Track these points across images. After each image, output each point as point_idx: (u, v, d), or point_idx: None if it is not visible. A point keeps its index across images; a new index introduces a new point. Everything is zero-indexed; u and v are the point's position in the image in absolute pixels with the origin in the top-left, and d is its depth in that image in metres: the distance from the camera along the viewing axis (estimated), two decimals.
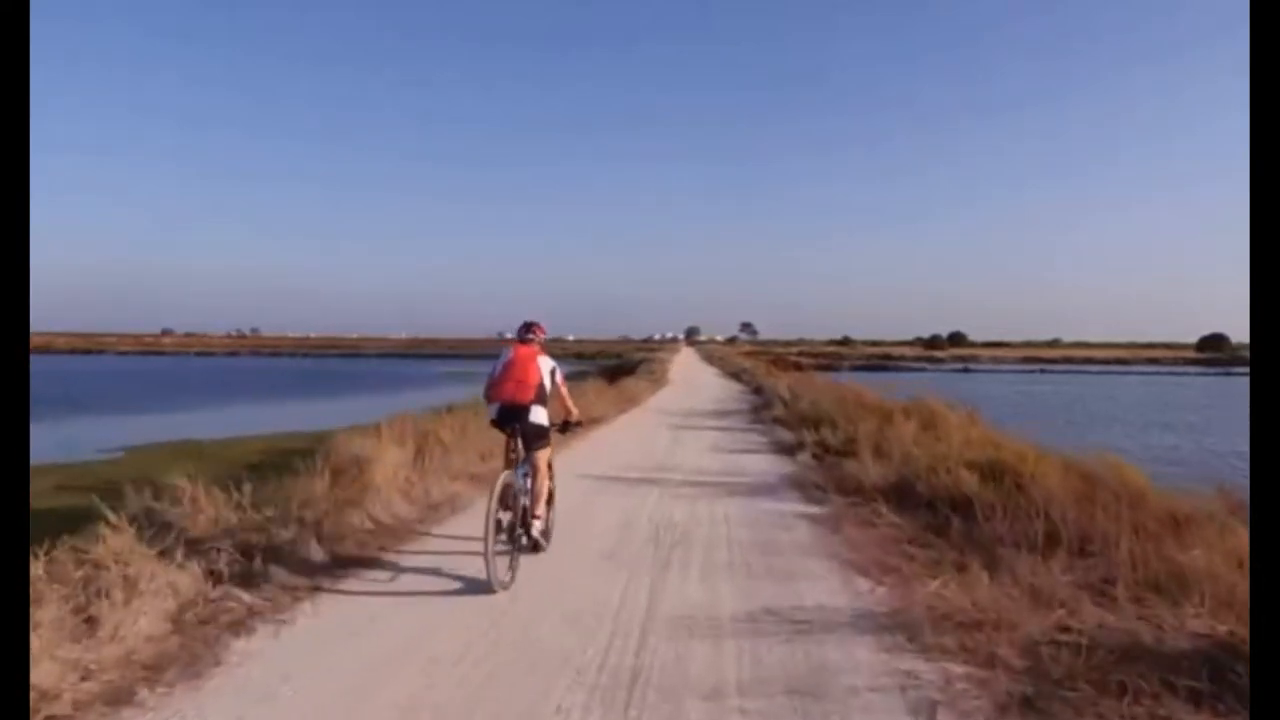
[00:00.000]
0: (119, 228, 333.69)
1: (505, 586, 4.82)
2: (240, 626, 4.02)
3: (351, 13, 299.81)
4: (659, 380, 32.94)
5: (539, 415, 5.53)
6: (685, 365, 54.11)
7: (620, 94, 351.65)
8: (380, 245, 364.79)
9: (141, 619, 3.76)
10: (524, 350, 5.72)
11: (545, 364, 5.74)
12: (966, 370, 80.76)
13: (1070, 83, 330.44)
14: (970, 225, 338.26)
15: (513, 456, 5.43)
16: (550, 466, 5.87)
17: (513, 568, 5.05)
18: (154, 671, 3.47)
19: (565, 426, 6.03)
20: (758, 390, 29.69)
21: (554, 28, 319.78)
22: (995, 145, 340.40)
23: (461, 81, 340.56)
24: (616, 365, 54.31)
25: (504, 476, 5.07)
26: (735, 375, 40.27)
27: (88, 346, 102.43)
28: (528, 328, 5.90)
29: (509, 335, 6.34)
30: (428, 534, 6.31)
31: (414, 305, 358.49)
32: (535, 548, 5.61)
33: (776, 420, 16.21)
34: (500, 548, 4.91)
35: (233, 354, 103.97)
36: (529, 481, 5.49)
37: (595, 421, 15.26)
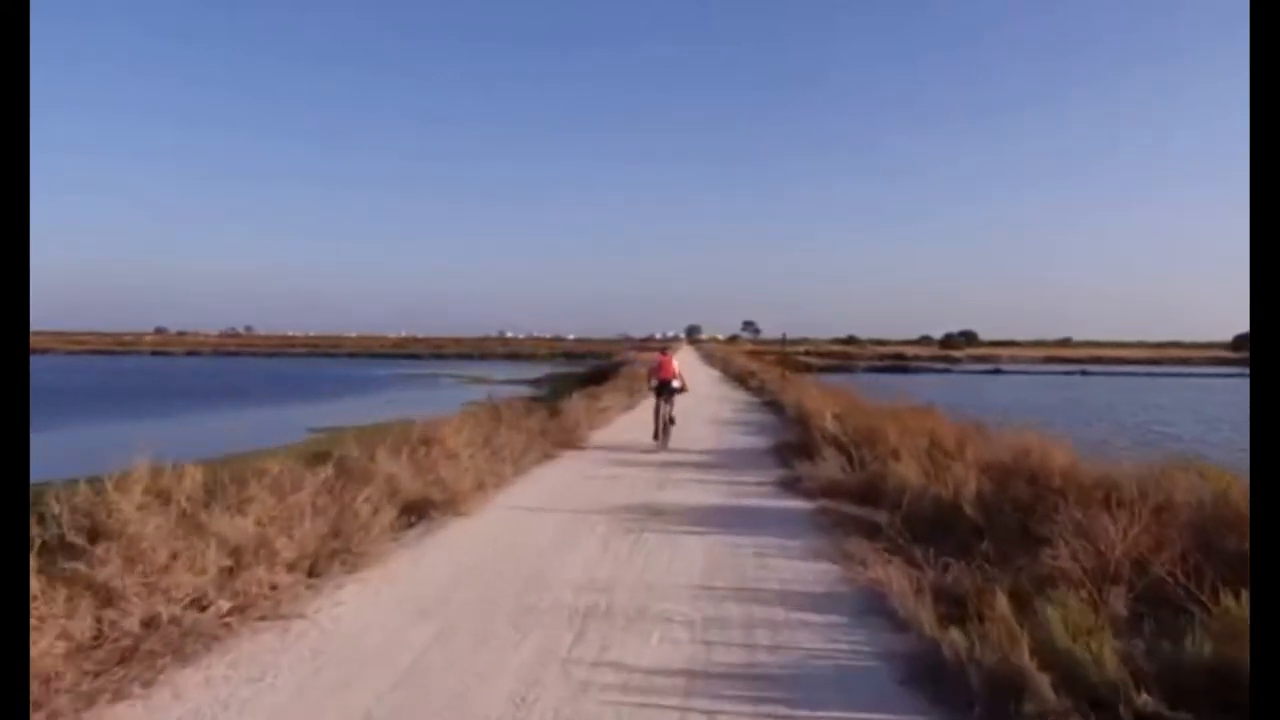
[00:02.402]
0: (117, 227, 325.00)
1: (661, 449, 11.85)
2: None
3: (351, 13, 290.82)
4: (639, 390, 24.85)
5: (676, 384, 12.95)
6: (680, 367, 46.02)
7: (620, 94, 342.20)
8: (381, 244, 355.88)
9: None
10: (666, 356, 13.57)
11: (676, 362, 13.37)
12: (997, 372, 72.67)
13: (1073, 81, 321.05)
14: (974, 224, 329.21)
15: (660, 404, 12.60)
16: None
17: (665, 443, 12.18)
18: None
19: (680, 390, 13.22)
20: (771, 404, 21.65)
21: (554, 28, 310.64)
22: (996, 146, 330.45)
23: (461, 81, 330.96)
24: (594, 369, 46.32)
25: (662, 410, 12.52)
26: (740, 381, 32.14)
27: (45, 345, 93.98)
28: (665, 346, 18.46)
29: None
30: None
31: (414, 305, 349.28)
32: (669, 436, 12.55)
33: (834, 495, 8.12)
34: (662, 437, 12.22)
35: (192, 353, 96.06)
36: (671, 413, 12.69)
37: (442, 507, 7.13)
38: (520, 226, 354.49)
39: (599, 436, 13.68)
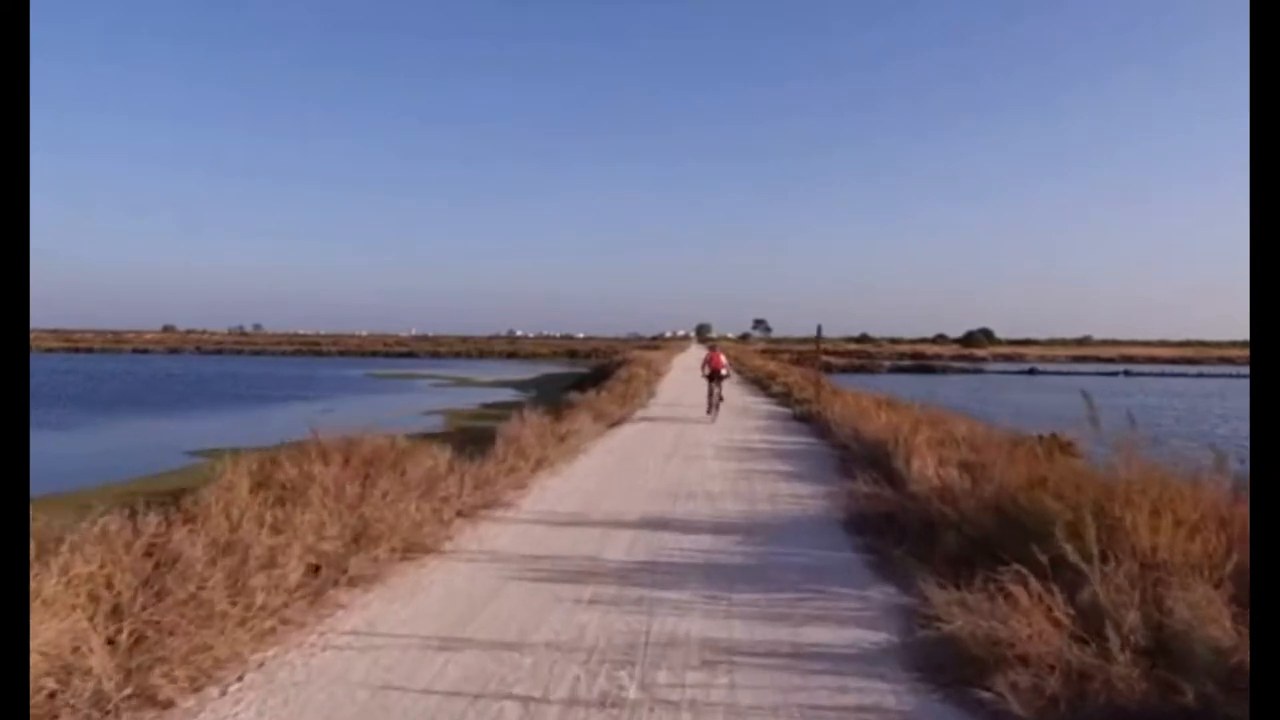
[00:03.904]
0: (125, 227, 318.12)
1: (712, 422, 15.08)
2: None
3: (351, 13, 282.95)
4: (634, 396, 19.46)
5: (723, 372, 16.44)
6: (687, 369, 40.33)
7: (622, 92, 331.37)
8: (392, 244, 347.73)
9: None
10: (715, 352, 16.94)
11: (723, 355, 17.29)
12: (1032, 372, 66.90)
13: (1070, 82, 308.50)
14: (977, 222, 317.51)
15: (712, 386, 15.93)
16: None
17: (714, 417, 15.49)
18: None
19: (726, 376, 16.93)
20: (807, 419, 16.24)
21: (555, 26, 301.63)
22: (998, 144, 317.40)
23: (462, 82, 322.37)
24: (594, 369, 41.04)
25: (713, 392, 15.91)
26: (760, 386, 26.73)
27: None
28: (713, 345, 21.78)
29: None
30: None
31: (426, 303, 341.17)
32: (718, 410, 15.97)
33: None
34: (710, 412, 15.71)
35: (174, 351, 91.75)
36: (719, 392, 16.05)
37: None
38: (528, 226, 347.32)
39: (536, 493, 8.23)
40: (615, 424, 14.43)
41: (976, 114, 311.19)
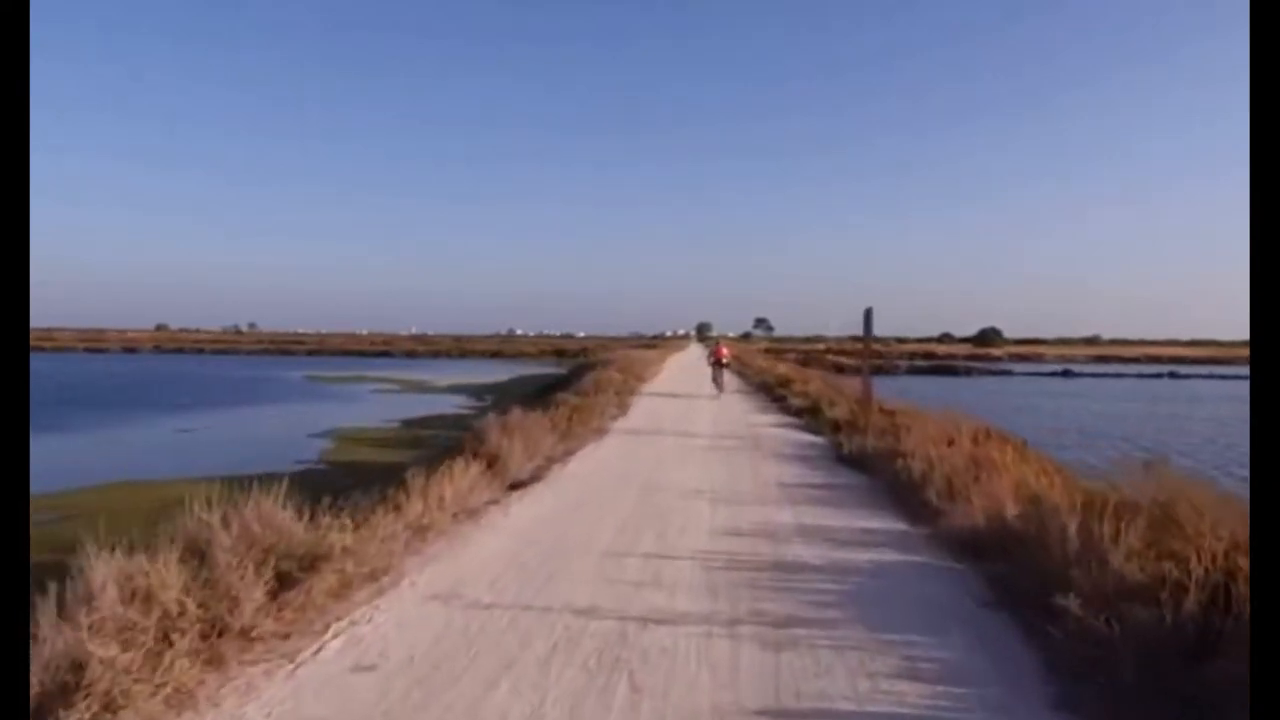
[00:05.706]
0: (124, 227, 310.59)
1: (717, 399, 19.97)
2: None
3: (351, 13, 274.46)
4: (591, 419, 13.04)
5: (725, 360, 22.50)
6: (684, 368, 33.80)
7: (622, 92, 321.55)
8: (394, 244, 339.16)
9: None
10: (719, 347, 23.36)
11: (726, 348, 23.68)
12: (1067, 374, 60.57)
13: (1072, 79, 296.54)
14: (983, 222, 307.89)
15: (716, 371, 21.78)
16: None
17: (719, 397, 20.41)
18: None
19: (728, 365, 23.01)
20: (861, 463, 9.87)
21: (555, 27, 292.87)
22: (998, 142, 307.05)
23: (462, 82, 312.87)
24: (567, 374, 34.61)
25: (717, 377, 21.68)
26: (771, 394, 20.31)
27: None
28: (718, 341, 28.89)
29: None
30: None
31: (428, 302, 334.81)
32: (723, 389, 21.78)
33: None
34: (716, 390, 21.23)
35: (130, 349, 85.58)
36: (723, 376, 21.90)
37: None
38: (527, 226, 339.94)
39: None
40: (527, 482, 7.96)
41: (976, 114, 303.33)
